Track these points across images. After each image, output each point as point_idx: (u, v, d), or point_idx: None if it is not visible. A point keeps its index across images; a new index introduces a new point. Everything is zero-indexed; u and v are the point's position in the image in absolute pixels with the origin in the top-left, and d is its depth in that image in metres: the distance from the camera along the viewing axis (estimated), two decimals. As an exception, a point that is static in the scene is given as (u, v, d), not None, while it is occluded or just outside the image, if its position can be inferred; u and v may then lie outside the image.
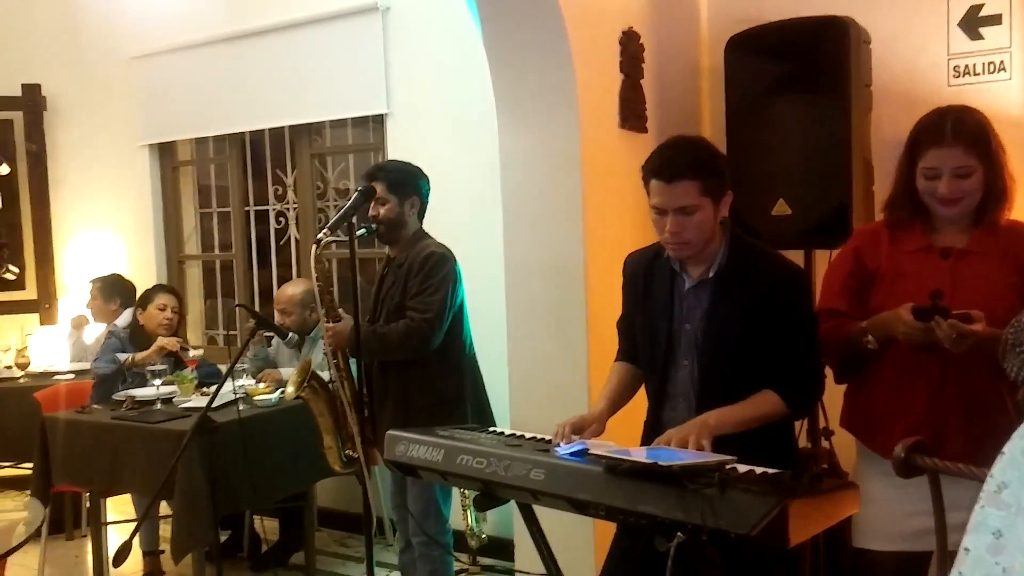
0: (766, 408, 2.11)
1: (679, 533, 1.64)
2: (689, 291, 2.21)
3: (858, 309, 2.30)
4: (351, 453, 3.09)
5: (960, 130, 2.13)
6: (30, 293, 5.79)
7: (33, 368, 5.14)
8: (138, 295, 4.55)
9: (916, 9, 3.38)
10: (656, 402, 2.26)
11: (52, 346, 5.53)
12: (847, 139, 3.09)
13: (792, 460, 2.22)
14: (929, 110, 2.27)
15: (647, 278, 2.28)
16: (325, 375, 3.21)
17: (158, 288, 4.49)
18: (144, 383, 4.09)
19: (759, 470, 1.80)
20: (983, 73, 3.27)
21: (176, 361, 4.23)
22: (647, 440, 2.23)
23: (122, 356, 4.15)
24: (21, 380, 4.99)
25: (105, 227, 5.88)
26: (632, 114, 3.31)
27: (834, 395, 2.56)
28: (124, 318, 4.54)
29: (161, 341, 4.15)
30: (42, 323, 5.75)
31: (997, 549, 0.51)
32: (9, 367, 5.11)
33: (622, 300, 2.41)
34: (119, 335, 4.31)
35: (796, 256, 3.26)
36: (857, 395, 2.39)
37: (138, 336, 4.30)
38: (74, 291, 5.73)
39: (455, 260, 3.16)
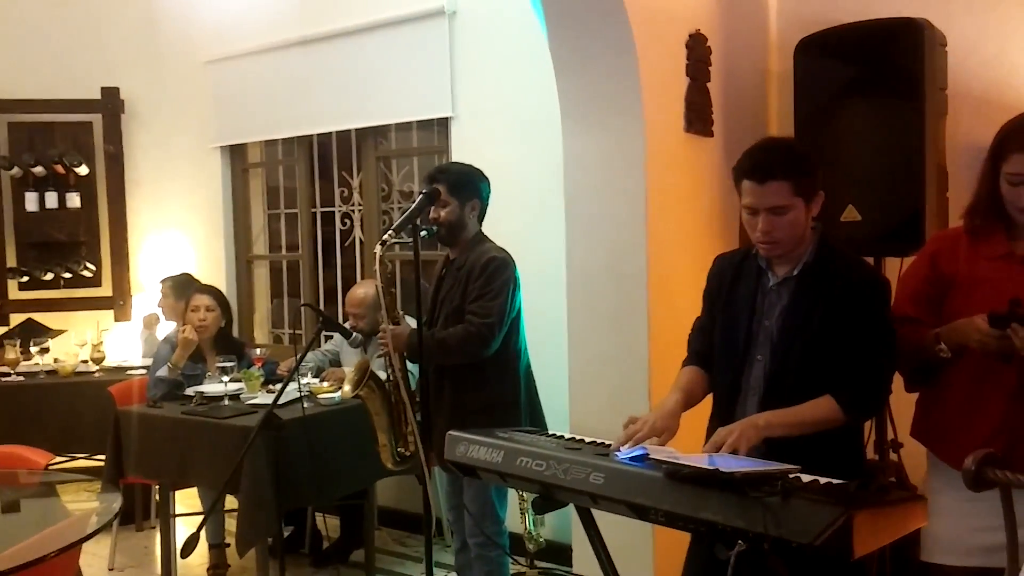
0: (820, 413, 2.08)
1: (740, 541, 1.62)
2: (772, 288, 2.20)
3: (932, 316, 2.25)
4: (403, 451, 3.12)
5: None
6: (106, 290, 5.97)
7: (108, 363, 5.31)
8: None
9: (995, 10, 3.28)
10: (728, 399, 2.24)
11: (126, 342, 5.72)
12: (921, 144, 3.01)
13: (859, 471, 2.18)
14: (1007, 115, 2.21)
15: (734, 278, 2.28)
16: (383, 375, 3.25)
17: (193, 288, 4.51)
18: (197, 380, 4.18)
19: (823, 480, 1.76)
20: (1065, 76, 3.16)
21: (243, 358, 4.31)
22: (710, 434, 2.21)
23: (162, 372, 4.18)
24: (96, 374, 5.16)
25: (177, 226, 6.05)
26: (698, 118, 3.28)
27: (903, 406, 2.50)
28: None
29: (181, 340, 4.14)
30: (117, 319, 5.93)
31: None
32: (85, 361, 5.29)
33: (703, 303, 2.40)
34: (172, 341, 4.34)
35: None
36: (929, 405, 2.34)
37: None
38: (148, 288, 5.90)
39: (514, 265, 3.17)
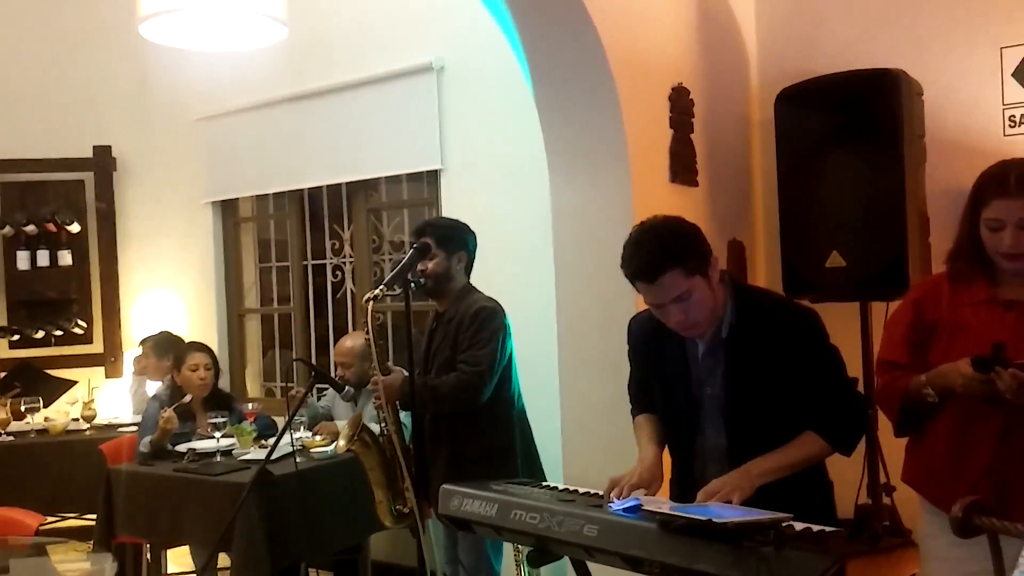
0: (808, 450, 2.10)
1: (734, 592, 1.63)
2: (703, 355, 2.20)
3: (918, 361, 2.27)
4: (402, 508, 3.11)
5: None
6: (97, 347, 5.95)
7: (99, 420, 5.28)
8: None
9: (969, 60, 3.37)
10: (685, 465, 2.26)
11: (117, 399, 5.69)
12: (901, 191, 3.08)
13: (826, 500, 2.23)
14: (984, 161, 2.26)
15: (657, 343, 2.26)
16: (376, 428, 3.25)
17: (188, 347, 4.45)
18: (186, 438, 4.12)
19: (816, 528, 1.78)
20: (1040, 123, 3.24)
21: (236, 414, 4.30)
22: (678, 498, 2.23)
23: (145, 439, 4.10)
24: (87, 432, 5.12)
25: (169, 282, 6.05)
26: (683, 168, 3.34)
27: (896, 449, 2.52)
28: None
29: (162, 424, 4.01)
30: (108, 376, 5.91)
31: None
32: (76, 419, 5.26)
33: (630, 363, 2.41)
34: (161, 398, 4.31)
35: (851, 308, 3.24)
36: (918, 450, 2.35)
37: (178, 397, 4.26)
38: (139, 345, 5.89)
39: (504, 313, 3.20)
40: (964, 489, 1.88)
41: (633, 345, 2.39)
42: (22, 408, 5.08)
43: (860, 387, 2.34)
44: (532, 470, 3.18)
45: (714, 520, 1.70)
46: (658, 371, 2.28)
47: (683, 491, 2.24)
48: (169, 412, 4.04)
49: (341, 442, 3.15)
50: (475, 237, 3.31)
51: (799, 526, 1.78)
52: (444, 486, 2.31)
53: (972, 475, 2.13)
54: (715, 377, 2.18)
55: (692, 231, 2.12)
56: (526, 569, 3.93)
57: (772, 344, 2.12)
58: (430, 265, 3.17)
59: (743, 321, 2.15)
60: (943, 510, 2.14)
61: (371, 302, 2.88)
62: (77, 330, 5.89)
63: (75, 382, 5.55)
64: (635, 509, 1.92)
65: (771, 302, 2.23)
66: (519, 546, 3.68)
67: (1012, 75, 3.29)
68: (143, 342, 5.20)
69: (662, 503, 2.00)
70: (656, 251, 2.04)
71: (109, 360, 5.93)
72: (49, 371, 5.56)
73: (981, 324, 2.17)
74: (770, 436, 2.11)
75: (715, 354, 2.18)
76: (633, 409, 2.43)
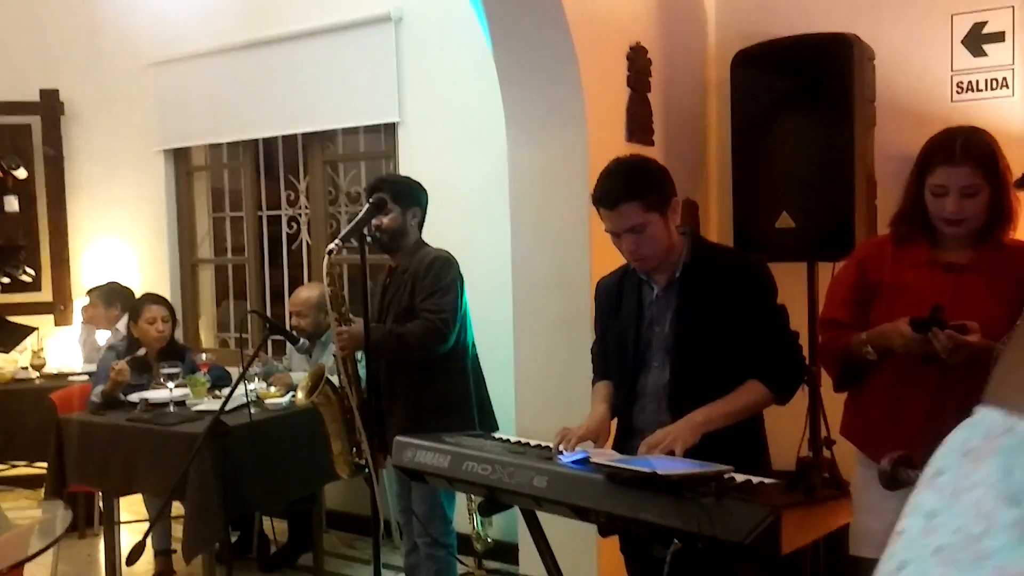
0: (752, 397, 2.19)
1: (676, 540, 1.70)
2: (658, 296, 2.30)
3: (860, 320, 2.35)
4: (359, 460, 3.15)
5: (969, 149, 2.18)
6: (46, 295, 5.88)
7: (48, 369, 5.23)
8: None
9: (920, 26, 3.42)
10: (625, 406, 2.34)
11: (67, 348, 5.63)
12: (850, 154, 3.14)
13: (760, 453, 2.31)
14: (932, 126, 2.32)
15: (618, 296, 2.38)
16: (335, 379, 3.28)
17: (145, 299, 4.37)
18: (142, 388, 4.10)
19: (756, 479, 1.85)
20: (986, 90, 3.31)
21: (189, 364, 4.29)
22: (621, 445, 2.31)
23: (97, 388, 4.07)
24: (37, 381, 5.08)
25: (120, 230, 5.97)
26: (639, 128, 3.37)
27: (836, 404, 2.61)
28: (124, 323, 4.60)
29: (113, 375, 3.96)
30: (57, 324, 5.84)
31: (930, 530, 0.57)
32: (25, 368, 5.20)
33: (595, 325, 2.51)
34: (118, 348, 4.30)
35: (799, 268, 3.32)
36: (856, 405, 2.44)
37: (135, 348, 4.27)
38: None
39: (457, 263, 3.24)
40: (898, 444, 1.96)
41: (598, 306, 2.48)
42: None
43: (804, 343, 2.41)
44: (485, 419, 3.25)
45: (659, 472, 1.77)
46: (614, 320, 2.37)
47: (622, 434, 2.33)
48: (121, 364, 4.01)
49: (300, 394, 3.17)
50: (427, 194, 3.33)
51: (740, 478, 1.86)
52: (398, 438, 2.36)
53: (907, 431, 2.21)
54: (664, 317, 2.27)
55: (659, 172, 2.27)
56: (478, 518, 4.03)
57: (721, 288, 2.22)
58: (385, 220, 3.18)
59: (696, 264, 2.25)
60: (877, 463, 2.24)
61: (328, 256, 2.90)
62: (25, 278, 5.81)
63: (35, 328, 5.47)
64: (583, 461, 1.98)
65: (725, 252, 2.36)
66: (472, 496, 3.77)
67: (961, 42, 3.36)
68: (90, 291, 5.16)
69: (610, 455, 2.06)
70: (620, 183, 2.20)
71: (59, 308, 5.86)
72: (9, 318, 5.47)
73: (921, 286, 2.25)
74: (711, 375, 2.19)
75: (668, 295, 2.28)
76: (594, 377, 2.51)
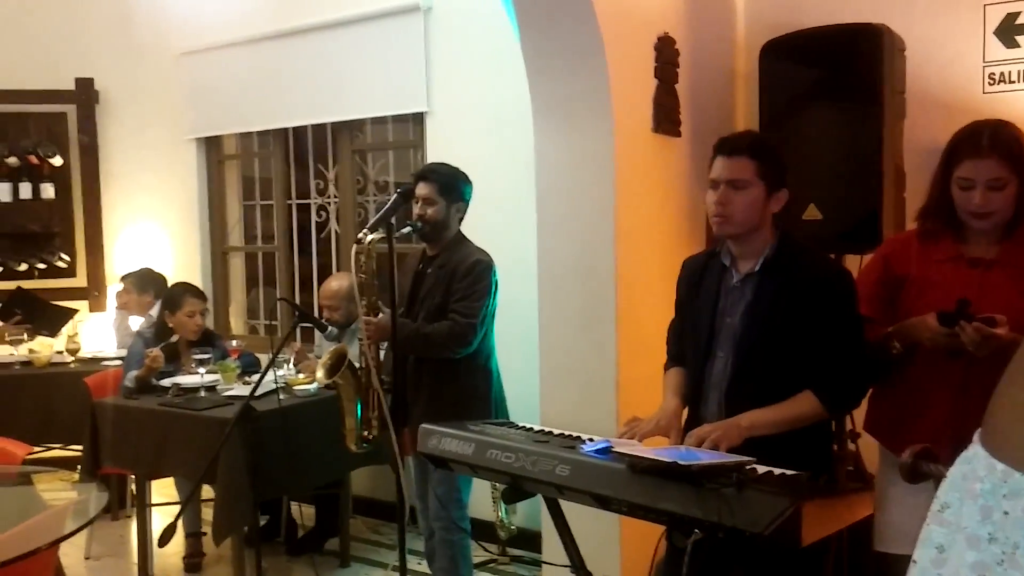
0: (802, 410, 2.14)
1: (696, 530, 1.71)
2: (736, 285, 2.27)
3: (886, 315, 2.35)
4: (367, 434, 3.21)
5: (996, 142, 2.17)
6: (80, 281, 5.98)
7: (83, 354, 5.33)
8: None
9: (952, 17, 3.38)
10: (693, 398, 2.31)
11: (101, 332, 5.73)
12: (879, 146, 3.11)
13: (825, 463, 2.26)
14: (963, 118, 2.30)
15: (701, 276, 2.36)
16: (357, 364, 3.33)
17: (183, 291, 4.42)
18: (171, 375, 4.18)
19: (778, 471, 1.86)
20: (1019, 81, 3.27)
21: (219, 350, 4.35)
22: (686, 425, 2.28)
23: (131, 373, 4.17)
24: (72, 365, 5.18)
25: (152, 217, 6.06)
26: (666, 119, 3.36)
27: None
28: (157, 309, 4.67)
29: (148, 362, 4.08)
30: (91, 310, 5.95)
31: (940, 562, 0.60)
32: (60, 352, 5.30)
33: (675, 303, 2.49)
34: (145, 336, 4.37)
35: (826, 261, 3.30)
36: (881, 400, 2.43)
37: (164, 336, 4.34)
38: (123, 279, 5.91)
39: (495, 268, 3.27)
40: (922, 439, 1.96)
41: (680, 282, 2.46)
42: (23, 337, 5.11)
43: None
44: (499, 415, 3.31)
45: (679, 462, 1.78)
46: (693, 303, 2.36)
47: (688, 424, 2.30)
48: (156, 351, 4.09)
49: (320, 372, 3.22)
50: (472, 188, 3.35)
51: (762, 469, 1.86)
52: (423, 425, 2.38)
53: (931, 425, 2.21)
54: (737, 308, 2.25)
55: (783, 161, 2.28)
56: (502, 506, 4.06)
57: (799, 288, 2.17)
58: (429, 211, 3.22)
59: (779, 260, 2.22)
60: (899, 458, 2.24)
61: (361, 244, 2.99)
62: (60, 263, 5.91)
63: (77, 310, 5.56)
64: (606, 451, 2.00)
65: (812, 253, 2.28)
66: (496, 484, 3.80)
67: (994, 33, 3.31)
68: (124, 278, 5.24)
69: (633, 445, 2.08)
70: (749, 140, 2.28)
71: (93, 294, 5.96)
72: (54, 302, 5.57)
73: (947, 280, 2.24)
74: (771, 375, 2.16)
75: (745, 286, 2.26)
76: (667, 361, 2.49)
